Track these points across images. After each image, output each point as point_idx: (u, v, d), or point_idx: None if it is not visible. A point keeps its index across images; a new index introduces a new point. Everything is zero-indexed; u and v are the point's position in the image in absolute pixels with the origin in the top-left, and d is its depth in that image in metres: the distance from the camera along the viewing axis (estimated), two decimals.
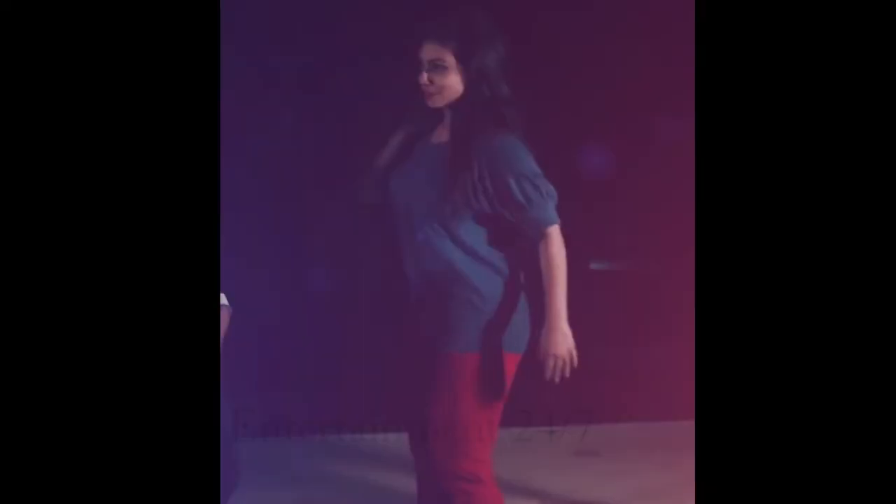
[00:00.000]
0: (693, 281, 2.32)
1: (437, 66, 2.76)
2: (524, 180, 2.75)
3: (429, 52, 2.77)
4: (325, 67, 4.69)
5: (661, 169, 4.77)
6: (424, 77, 2.78)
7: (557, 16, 4.69)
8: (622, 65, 4.78)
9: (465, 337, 2.76)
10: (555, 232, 2.76)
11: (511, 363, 2.80)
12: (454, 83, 2.77)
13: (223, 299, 3.06)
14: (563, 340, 2.71)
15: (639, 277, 5.00)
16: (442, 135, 2.86)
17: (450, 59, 2.76)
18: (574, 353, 2.72)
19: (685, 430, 4.33)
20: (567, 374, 2.70)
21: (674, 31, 4.41)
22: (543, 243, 2.76)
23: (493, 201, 2.76)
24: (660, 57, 4.65)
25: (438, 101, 2.80)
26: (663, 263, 4.80)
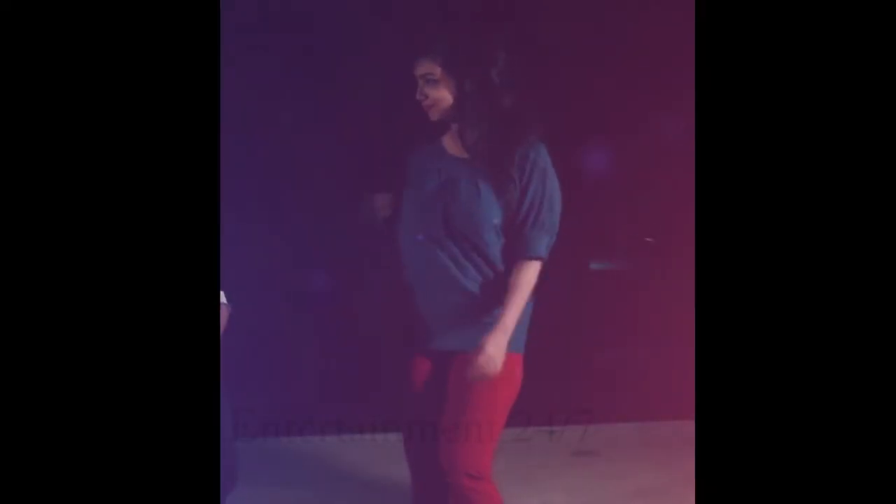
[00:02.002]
0: (692, 280, 2.33)
1: (429, 80, 2.85)
2: (551, 201, 2.84)
3: (420, 67, 2.86)
4: (328, 68, 4.70)
5: (660, 168, 4.78)
6: (418, 92, 2.87)
7: (555, 16, 4.71)
8: (621, 64, 4.79)
9: (478, 337, 2.79)
10: (537, 266, 2.82)
11: (518, 363, 2.87)
12: (445, 95, 2.85)
13: (222, 297, 3.07)
14: (496, 353, 2.73)
15: (638, 277, 5.01)
16: (453, 147, 2.92)
17: (438, 72, 2.84)
18: (496, 367, 2.73)
19: (683, 430, 4.36)
20: (483, 377, 2.72)
21: (673, 27, 4.42)
22: (524, 267, 2.81)
23: (520, 203, 2.82)
24: (659, 54, 4.66)
25: (436, 114, 2.89)
26: (662, 263, 4.82)
